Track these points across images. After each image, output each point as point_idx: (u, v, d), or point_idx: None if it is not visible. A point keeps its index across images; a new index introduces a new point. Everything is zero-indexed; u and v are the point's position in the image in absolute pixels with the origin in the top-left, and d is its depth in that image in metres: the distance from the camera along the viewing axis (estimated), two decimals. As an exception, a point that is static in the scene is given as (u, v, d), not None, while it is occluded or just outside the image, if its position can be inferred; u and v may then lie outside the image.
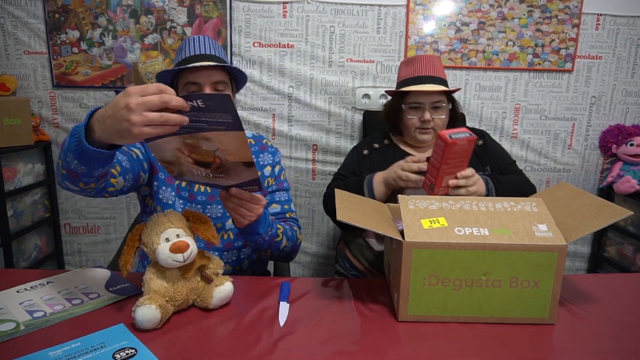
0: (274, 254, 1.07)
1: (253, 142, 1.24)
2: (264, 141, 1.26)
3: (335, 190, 0.95)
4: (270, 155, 1.23)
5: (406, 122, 1.31)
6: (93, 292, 0.87)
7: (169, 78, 1.11)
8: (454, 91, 1.32)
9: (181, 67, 1.05)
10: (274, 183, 1.23)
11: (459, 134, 0.99)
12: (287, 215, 1.23)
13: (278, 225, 1.07)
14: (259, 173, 1.14)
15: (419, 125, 1.29)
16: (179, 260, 0.77)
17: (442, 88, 1.25)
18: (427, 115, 1.26)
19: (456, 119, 1.36)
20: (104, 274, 0.95)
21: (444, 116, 1.28)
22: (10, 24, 1.84)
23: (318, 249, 2.12)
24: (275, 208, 1.22)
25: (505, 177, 1.25)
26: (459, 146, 0.98)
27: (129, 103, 0.62)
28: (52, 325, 0.75)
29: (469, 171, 1.06)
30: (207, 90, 1.05)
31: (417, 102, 1.28)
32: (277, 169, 1.24)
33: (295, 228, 1.20)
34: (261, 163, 1.21)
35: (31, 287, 0.89)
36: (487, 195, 1.13)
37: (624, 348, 0.72)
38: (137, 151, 1.06)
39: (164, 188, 1.09)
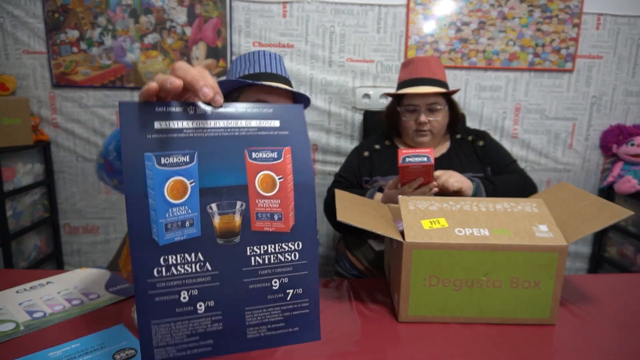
0: None
1: None
2: None
3: (336, 190, 0.95)
4: None
5: (404, 124, 1.31)
6: (93, 292, 0.87)
7: (229, 86, 1.01)
8: (452, 93, 1.31)
9: (264, 83, 0.96)
10: None
11: (417, 157, 1.00)
12: None
13: None
14: None
15: (415, 127, 1.28)
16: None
17: (435, 90, 1.24)
18: (423, 118, 1.25)
19: (456, 120, 1.36)
20: (103, 274, 0.95)
21: (440, 118, 1.27)
22: (9, 24, 1.84)
23: (318, 250, 2.12)
24: None
25: (501, 177, 1.24)
26: (411, 169, 1.01)
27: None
28: (52, 326, 0.75)
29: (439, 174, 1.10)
30: None
31: (412, 105, 1.27)
32: None
33: None
34: None
35: (30, 288, 0.89)
36: (474, 196, 1.13)
37: (626, 348, 0.72)
38: None
39: None
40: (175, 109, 0.46)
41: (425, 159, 1.00)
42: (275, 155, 0.47)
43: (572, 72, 1.97)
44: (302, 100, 1.08)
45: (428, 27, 1.90)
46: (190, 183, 0.46)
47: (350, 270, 1.32)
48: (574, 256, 2.15)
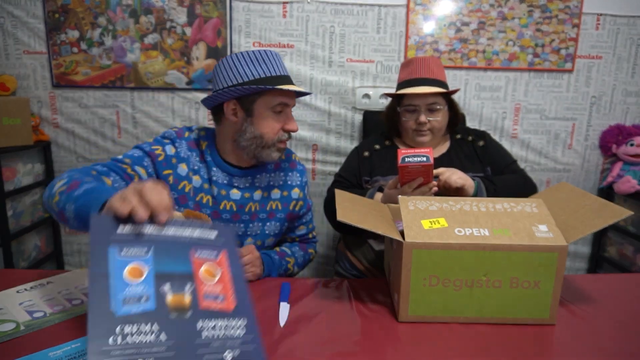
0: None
1: (283, 158, 1.17)
2: (293, 156, 1.20)
3: (336, 190, 0.95)
4: (298, 175, 1.18)
5: (403, 124, 1.32)
6: None
7: (250, 90, 1.00)
8: (451, 93, 1.31)
9: (293, 88, 1.02)
10: (303, 205, 1.19)
11: (416, 156, 1.00)
12: (310, 236, 1.27)
13: (288, 259, 1.12)
14: (285, 193, 1.14)
15: (415, 127, 1.29)
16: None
17: (434, 90, 1.24)
18: (423, 118, 1.26)
19: (456, 120, 1.35)
20: None
21: (439, 118, 1.27)
22: (10, 24, 1.84)
23: (318, 250, 2.11)
24: (302, 230, 1.23)
25: (501, 177, 1.24)
26: (410, 168, 1.01)
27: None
28: (52, 325, 0.75)
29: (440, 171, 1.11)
30: (291, 113, 1.07)
31: (412, 105, 1.27)
32: (306, 190, 1.21)
33: (310, 250, 1.24)
34: (289, 183, 1.16)
35: (31, 288, 0.89)
36: (475, 195, 1.13)
37: (625, 348, 0.72)
38: (142, 171, 0.99)
39: (182, 210, 1.04)
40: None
41: (424, 158, 1.00)
42: (214, 254, 0.60)
43: (572, 73, 1.97)
44: (302, 95, 1.11)
45: (428, 27, 1.90)
46: (147, 267, 0.55)
47: (350, 270, 1.32)
48: (574, 256, 2.15)
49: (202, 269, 0.58)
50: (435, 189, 1.07)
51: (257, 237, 1.12)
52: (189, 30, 1.87)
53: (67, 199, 0.77)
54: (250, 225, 1.11)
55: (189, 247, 0.58)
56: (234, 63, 1.02)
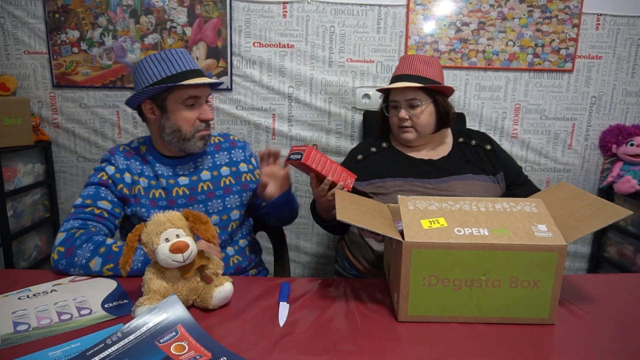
0: (292, 212, 1.25)
1: (222, 140, 1.27)
2: (231, 137, 1.30)
3: (336, 190, 0.95)
4: (240, 150, 1.27)
5: (389, 121, 1.33)
6: (87, 307, 0.84)
7: (158, 89, 1.07)
8: (428, 87, 1.26)
9: (193, 82, 1.07)
10: (257, 178, 1.26)
11: (297, 154, 1.01)
12: None
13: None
14: (234, 169, 1.23)
15: (397, 124, 1.29)
16: (178, 260, 0.77)
17: (407, 84, 1.23)
18: (402, 113, 1.26)
19: (446, 118, 1.31)
20: (109, 285, 0.93)
21: (420, 114, 1.26)
22: (10, 24, 1.84)
23: (318, 249, 2.12)
24: None
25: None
26: (296, 164, 1.02)
27: None
28: (29, 342, 0.72)
29: None
30: (205, 103, 1.14)
31: (393, 101, 1.29)
32: (253, 161, 1.29)
33: None
34: (234, 159, 1.25)
35: (34, 295, 0.87)
36: None
37: (624, 348, 0.72)
38: (106, 203, 1.08)
39: (138, 209, 1.12)
40: (105, 343, 0.65)
41: (299, 156, 0.99)
42: (173, 334, 0.68)
43: (572, 73, 1.97)
44: (217, 85, 1.20)
45: (428, 27, 1.90)
46: None
47: (350, 270, 1.32)
48: (574, 256, 2.15)
49: (172, 347, 0.67)
50: (344, 184, 1.02)
51: (220, 213, 1.19)
52: (189, 31, 1.87)
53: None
54: (210, 203, 1.17)
55: (153, 339, 0.67)
56: (144, 66, 1.09)
